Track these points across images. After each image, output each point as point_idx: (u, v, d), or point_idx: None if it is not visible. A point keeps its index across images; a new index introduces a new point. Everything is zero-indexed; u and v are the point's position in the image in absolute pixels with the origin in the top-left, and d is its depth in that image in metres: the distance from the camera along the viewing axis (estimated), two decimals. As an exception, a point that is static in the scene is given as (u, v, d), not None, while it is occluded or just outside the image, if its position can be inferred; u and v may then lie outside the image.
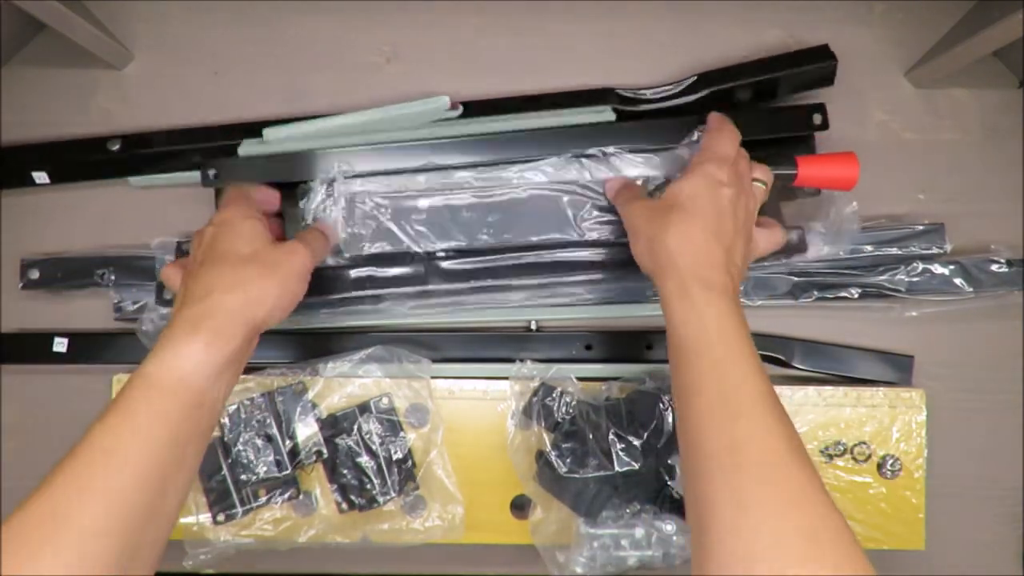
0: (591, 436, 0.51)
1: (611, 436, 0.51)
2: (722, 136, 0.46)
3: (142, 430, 0.37)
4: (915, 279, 0.55)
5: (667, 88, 0.56)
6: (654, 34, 0.59)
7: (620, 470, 0.50)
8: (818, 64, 0.54)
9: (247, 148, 0.54)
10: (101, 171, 0.57)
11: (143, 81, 0.60)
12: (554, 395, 0.52)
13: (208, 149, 0.55)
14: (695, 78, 0.55)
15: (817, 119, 0.54)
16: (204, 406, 0.39)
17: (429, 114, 0.53)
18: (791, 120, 0.55)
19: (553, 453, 0.51)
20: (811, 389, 0.55)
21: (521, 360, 0.54)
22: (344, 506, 0.53)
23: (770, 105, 0.57)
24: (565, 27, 0.58)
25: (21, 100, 0.59)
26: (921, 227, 0.56)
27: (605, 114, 0.54)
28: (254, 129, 0.54)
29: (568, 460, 0.51)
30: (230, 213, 0.46)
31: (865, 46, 0.59)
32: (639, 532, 0.51)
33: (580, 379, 0.54)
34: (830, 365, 0.56)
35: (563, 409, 0.52)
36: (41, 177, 0.57)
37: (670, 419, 0.51)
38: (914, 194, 0.58)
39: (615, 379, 0.55)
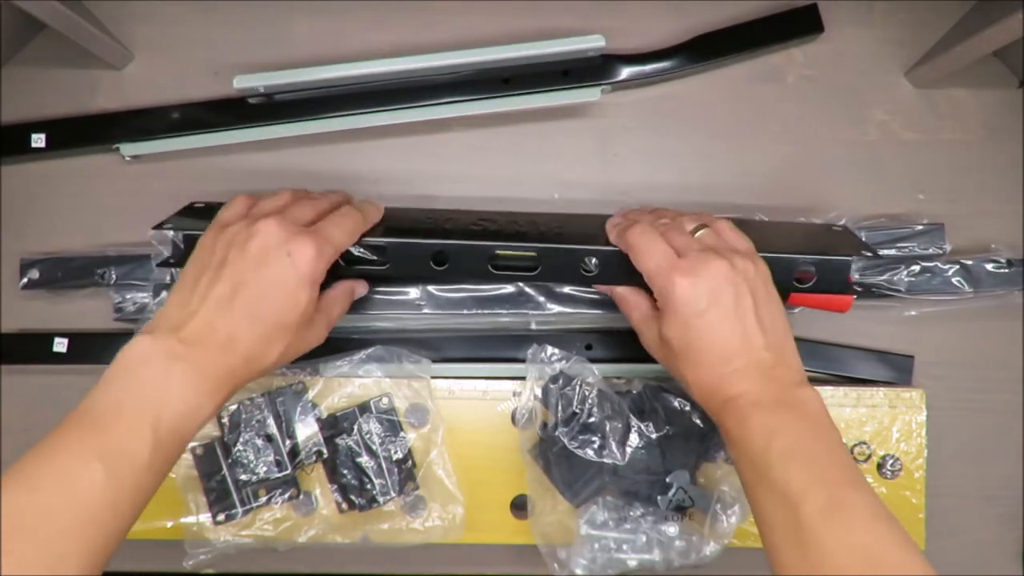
0: (607, 426, 0.51)
1: (629, 428, 0.50)
2: (645, 247, 0.43)
3: (145, 487, 0.35)
4: (915, 279, 0.55)
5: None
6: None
7: (624, 463, 0.50)
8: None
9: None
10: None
11: (143, 81, 0.60)
12: (573, 385, 0.52)
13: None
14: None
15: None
16: (177, 454, 0.37)
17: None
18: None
19: (561, 428, 0.51)
20: (811, 389, 0.55)
21: (538, 344, 0.54)
22: (344, 506, 0.53)
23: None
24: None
25: (21, 100, 0.59)
26: (921, 227, 0.56)
27: (594, 41, 0.54)
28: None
29: (573, 438, 0.51)
30: (299, 269, 0.40)
31: (865, 46, 0.59)
32: (641, 539, 0.51)
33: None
34: (830, 365, 0.56)
35: (582, 401, 0.52)
36: (39, 140, 0.57)
37: (682, 418, 0.51)
38: (914, 194, 0.58)
39: (618, 378, 0.55)
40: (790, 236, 0.53)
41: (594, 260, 0.48)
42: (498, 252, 0.48)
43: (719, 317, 0.40)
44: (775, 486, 0.35)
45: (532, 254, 0.49)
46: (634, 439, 0.50)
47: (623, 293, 0.48)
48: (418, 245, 0.48)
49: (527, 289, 0.56)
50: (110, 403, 0.36)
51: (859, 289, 0.53)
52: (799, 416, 0.38)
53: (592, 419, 0.51)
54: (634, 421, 0.51)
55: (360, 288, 0.52)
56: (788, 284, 0.48)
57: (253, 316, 0.39)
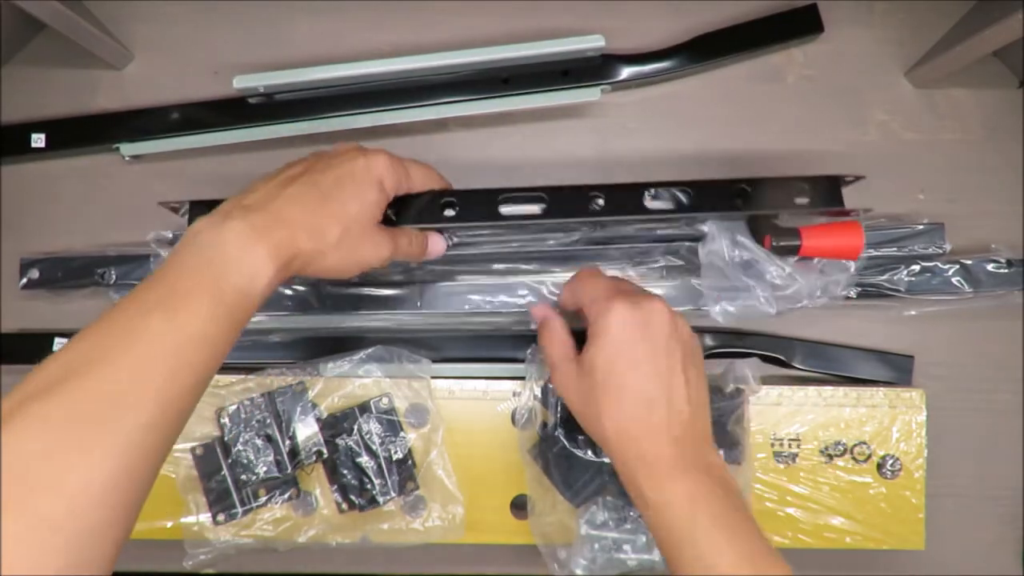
0: None
1: None
2: (589, 280, 0.45)
3: (212, 348, 0.34)
4: (915, 279, 0.55)
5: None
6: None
7: None
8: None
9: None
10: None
11: (143, 81, 0.60)
12: None
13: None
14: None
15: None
16: (242, 312, 0.37)
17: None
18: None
19: (560, 428, 0.51)
20: (811, 389, 0.55)
21: (537, 344, 0.54)
22: (344, 506, 0.53)
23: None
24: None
25: (21, 100, 0.59)
26: (921, 227, 0.56)
27: (594, 41, 0.54)
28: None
29: (572, 438, 0.51)
30: (371, 168, 0.42)
31: (865, 46, 0.59)
32: (641, 539, 0.51)
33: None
34: (830, 365, 0.56)
35: None
36: (39, 140, 0.57)
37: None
38: (914, 194, 0.58)
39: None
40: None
41: (601, 200, 0.48)
42: (505, 197, 0.48)
43: (650, 354, 0.40)
44: (702, 560, 0.37)
45: (540, 194, 0.48)
46: None
47: (551, 320, 0.47)
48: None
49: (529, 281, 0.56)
50: (173, 265, 0.36)
51: (855, 211, 0.50)
52: (715, 482, 0.39)
53: None
54: None
55: (435, 242, 0.50)
56: (788, 203, 0.48)
57: (318, 192, 0.40)
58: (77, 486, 0.29)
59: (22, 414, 0.29)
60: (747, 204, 0.48)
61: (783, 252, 0.49)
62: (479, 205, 0.48)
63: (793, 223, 0.50)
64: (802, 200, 0.48)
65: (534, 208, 0.48)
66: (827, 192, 0.49)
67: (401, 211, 0.47)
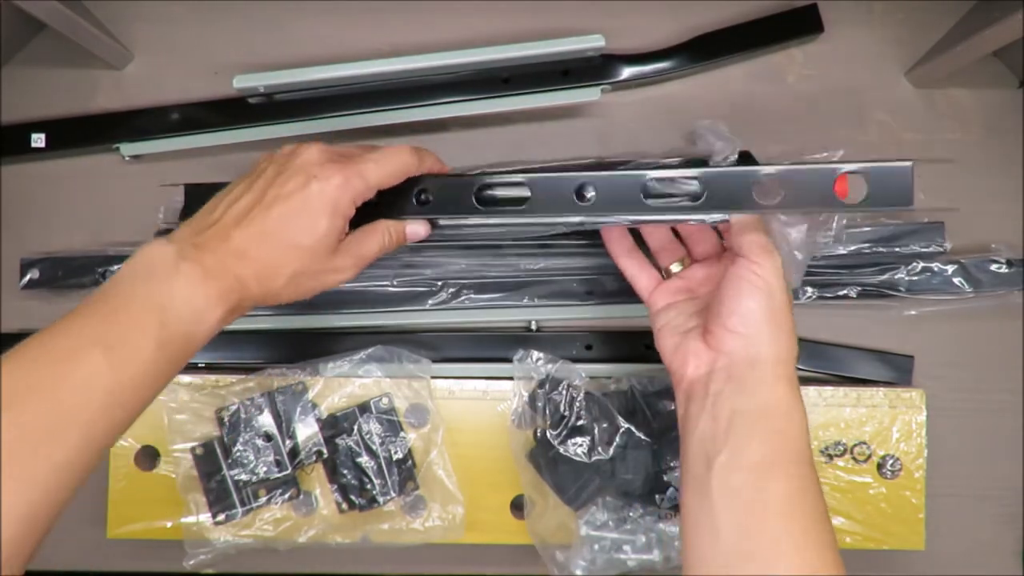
0: (596, 428, 0.51)
1: (617, 429, 0.50)
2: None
3: (147, 390, 0.34)
4: (915, 279, 0.55)
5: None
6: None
7: (616, 464, 0.50)
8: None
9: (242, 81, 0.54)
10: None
11: (143, 81, 0.60)
12: (560, 389, 0.52)
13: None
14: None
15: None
16: (183, 356, 0.36)
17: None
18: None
19: (551, 432, 0.51)
20: (811, 389, 0.55)
21: (525, 350, 0.54)
22: (344, 506, 0.53)
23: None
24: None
25: (21, 100, 0.59)
26: (921, 226, 0.56)
27: (594, 41, 0.53)
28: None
29: (566, 442, 0.51)
30: (322, 194, 0.39)
31: (865, 46, 0.59)
32: (641, 540, 0.51)
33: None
34: (830, 365, 0.56)
35: (570, 404, 0.52)
36: (39, 140, 0.58)
37: (673, 417, 0.51)
38: (914, 194, 0.58)
39: (607, 378, 0.55)
40: None
41: (591, 189, 0.43)
42: (485, 183, 0.45)
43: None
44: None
45: (520, 181, 0.44)
46: (623, 440, 0.50)
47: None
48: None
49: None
50: (116, 296, 0.35)
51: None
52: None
53: (581, 422, 0.51)
54: (622, 422, 0.51)
55: (413, 230, 0.46)
56: (828, 198, 0.41)
57: (267, 231, 0.39)
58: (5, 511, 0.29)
59: None
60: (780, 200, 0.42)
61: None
62: (456, 194, 0.45)
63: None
64: (855, 197, 0.42)
65: (523, 191, 0.44)
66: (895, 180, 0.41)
67: (373, 207, 0.44)
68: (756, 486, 0.37)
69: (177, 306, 0.35)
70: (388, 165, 0.42)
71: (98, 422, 0.32)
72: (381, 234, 0.44)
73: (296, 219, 0.39)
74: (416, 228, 0.46)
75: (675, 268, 0.48)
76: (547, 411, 0.52)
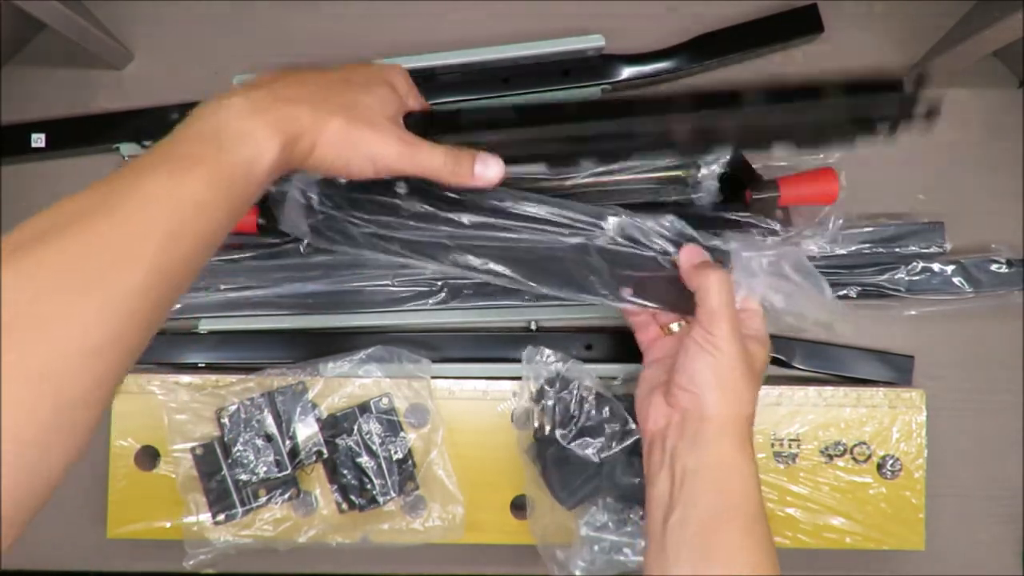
0: (606, 430, 0.51)
1: (628, 432, 0.50)
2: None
3: (211, 217, 0.33)
4: (915, 279, 0.55)
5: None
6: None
7: (620, 466, 0.50)
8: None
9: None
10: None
11: (143, 81, 0.60)
12: (571, 388, 0.52)
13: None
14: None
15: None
16: (254, 198, 0.36)
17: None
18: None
19: (560, 431, 0.51)
20: (811, 389, 0.55)
21: (534, 346, 0.54)
22: (344, 506, 0.53)
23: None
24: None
25: (21, 100, 0.59)
26: (921, 226, 0.56)
27: (594, 41, 0.54)
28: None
29: (574, 442, 0.50)
30: (382, 70, 0.43)
31: (865, 46, 0.59)
32: (641, 543, 0.51)
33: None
34: (830, 365, 0.56)
35: (579, 403, 0.52)
36: (39, 140, 0.58)
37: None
38: (914, 194, 0.58)
39: (613, 379, 0.55)
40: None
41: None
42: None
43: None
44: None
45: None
46: (631, 443, 0.50)
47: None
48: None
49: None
50: (173, 137, 0.35)
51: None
52: None
53: (590, 422, 0.51)
54: (633, 425, 0.51)
55: (490, 165, 0.43)
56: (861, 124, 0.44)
57: (324, 79, 0.40)
58: (66, 339, 0.27)
59: (16, 257, 0.28)
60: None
61: (763, 204, 0.50)
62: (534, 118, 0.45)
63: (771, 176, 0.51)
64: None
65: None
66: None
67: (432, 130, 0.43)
68: (704, 541, 0.39)
69: (232, 138, 0.35)
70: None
71: (168, 246, 0.31)
72: (448, 152, 0.42)
73: (355, 78, 0.41)
74: (492, 165, 0.43)
75: (674, 328, 0.49)
76: (556, 409, 0.52)
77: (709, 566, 0.39)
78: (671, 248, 0.46)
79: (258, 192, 0.36)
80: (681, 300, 0.45)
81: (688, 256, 0.45)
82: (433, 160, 0.41)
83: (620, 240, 0.46)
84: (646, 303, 0.46)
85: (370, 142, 0.39)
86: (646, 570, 0.42)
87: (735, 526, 0.40)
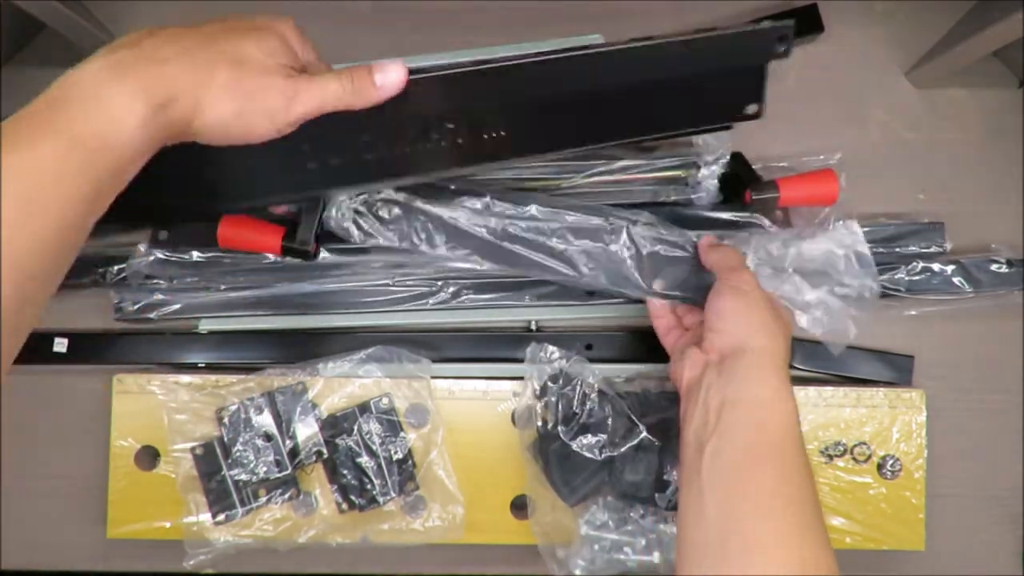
0: (609, 427, 0.51)
1: (631, 430, 0.50)
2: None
3: (68, 193, 0.29)
4: (915, 279, 0.55)
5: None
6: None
7: (623, 463, 0.50)
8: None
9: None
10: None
11: (143, 81, 0.60)
12: (574, 384, 0.52)
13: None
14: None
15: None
16: (126, 172, 0.32)
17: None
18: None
19: (562, 428, 0.51)
20: (811, 389, 0.55)
21: (538, 343, 0.54)
22: (344, 506, 0.53)
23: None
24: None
25: (21, 100, 0.59)
26: (921, 226, 0.56)
27: (594, 40, 0.53)
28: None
29: (576, 439, 0.50)
30: (272, 22, 0.37)
31: (865, 46, 0.59)
32: (641, 542, 0.51)
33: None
34: (830, 365, 0.56)
35: (582, 401, 0.52)
36: None
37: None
38: (914, 194, 0.58)
39: (617, 378, 0.55)
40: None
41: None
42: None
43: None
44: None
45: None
46: (635, 441, 0.50)
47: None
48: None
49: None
50: (26, 109, 0.31)
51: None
52: None
53: (592, 419, 0.51)
54: (638, 423, 0.51)
55: (388, 71, 0.39)
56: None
57: (203, 32, 0.35)
58: None
59: None
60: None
61: (763, 205, 0.50)
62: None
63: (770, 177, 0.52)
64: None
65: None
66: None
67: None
68: (739, 475, 0.38)
69: (87, 103, 0.31)
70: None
71: (20, 228, 0.28)
72: (343, 75, 0.37)
73: (240, 28, 0.36)
74: (391, 70, 0.39)
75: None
76: (559, 406, 0.52)
77: (744, 505, 0.37)
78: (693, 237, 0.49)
79: (132, 164, 0.32)
80: (703, 288, 0.47)
81: (706, 241, 0.49)
82: (329, 90, 0.37)
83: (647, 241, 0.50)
84: (674, 294, 0.50)
85: (266, 93, 0.35)
86: (679, 503, 0.41)
87: (772, 467, 0.38)
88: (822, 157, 0.57)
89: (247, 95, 0.34)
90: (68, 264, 0.32)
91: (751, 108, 0.45)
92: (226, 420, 0.53)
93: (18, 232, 0.28)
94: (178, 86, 0.33)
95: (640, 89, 0.43)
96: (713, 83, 0.44)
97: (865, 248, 0.49)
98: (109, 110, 0.31)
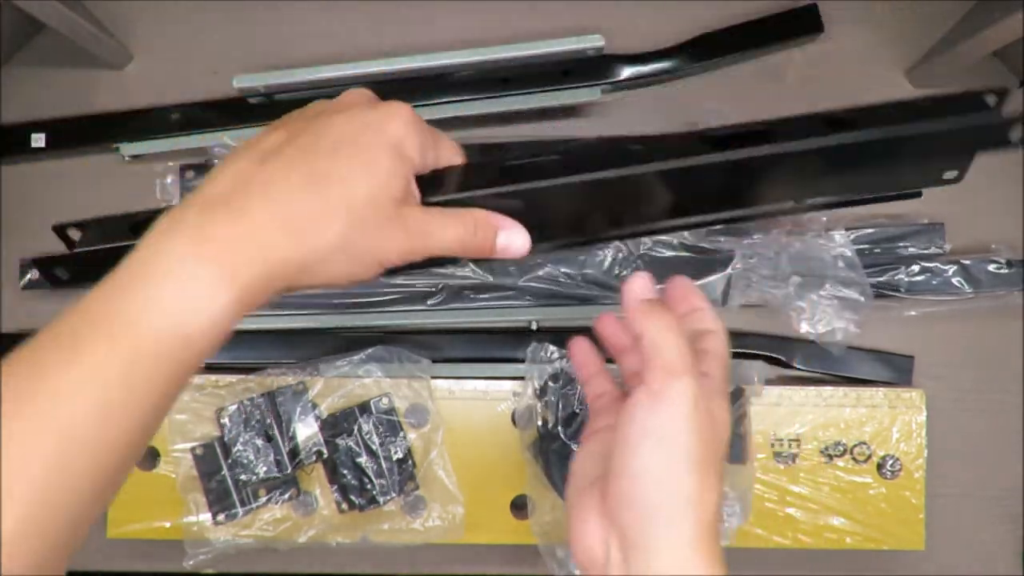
0: None
1: None
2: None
3: (119, 420, 0.24)
4: (915, 279, 0.55)
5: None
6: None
7: None
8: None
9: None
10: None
11: (143, 81, 0.60)
12: (574, 384, 0.52)
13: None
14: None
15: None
16: (196, 367, 0.26)
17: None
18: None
19: (562, 428, 0.51)
20: (811, 389, 0.55)
21: (539, 342, 0.54)
22: (344, 506, 0.53)
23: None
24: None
25: (21, 100, 0.59)
26: (921, 227, 0.56)
27: (593, 41, 0.53)
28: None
29: (573, 436, 0.51)
30: (384, 125, 0.29)
31: (865, 46, 0.59)
32: None
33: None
34: (830, 365, 0.56)
35: (582, 400, 0.52)
36: (39, 140, 0.58)
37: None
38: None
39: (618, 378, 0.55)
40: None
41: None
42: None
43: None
44: None
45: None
46: None
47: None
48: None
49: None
50: (95, 292, 0.26)
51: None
52: None
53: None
54: None
55: (514, 236, 0.33)
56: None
57: (306, 165, 0.28)
58: None
59: None
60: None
61: None
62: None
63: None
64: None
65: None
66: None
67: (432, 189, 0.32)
68: None
69: (162, 295, 0.25)
70: (451, 141, 0.33)
71: (47, 480, 0.23)
72: (467, 223, 0.32)
73: (349, 153, 0.28)
74: (516, 236, 0.33)
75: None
76: (559, 405, 0.52)
77: None
78: None
79: (214, 348, 0.26)
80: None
81: (634, 288, 0.31)
82: (446, 240, 0.31)
83: None
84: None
85: (377, 247, 0.29)
86: None
87: None
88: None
89: (360, 255, 0.29)
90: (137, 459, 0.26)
91: (950, 174, 0.38)
92: (226, 420, 0.53)
93: (42, 487, 0.23)
94: (280, 256, 0.27)
95: (845, 154, 0.36)
96: (919, 150, 0.37)
97: (852, 251, 0.48)
98: (187, 303, 0.25)
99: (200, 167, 0.57)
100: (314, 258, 0.28)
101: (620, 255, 0.55)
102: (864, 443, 0.54)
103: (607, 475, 0.29)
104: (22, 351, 0.25)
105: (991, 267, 0.56)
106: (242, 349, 0.56)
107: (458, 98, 0.56)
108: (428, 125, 0.32)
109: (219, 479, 0.53)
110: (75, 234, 0.38)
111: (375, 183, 0.28)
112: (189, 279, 0.25)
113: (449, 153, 0.33)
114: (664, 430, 0.28)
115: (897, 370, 0.56)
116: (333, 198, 0.28)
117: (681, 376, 0.28)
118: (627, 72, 0.56)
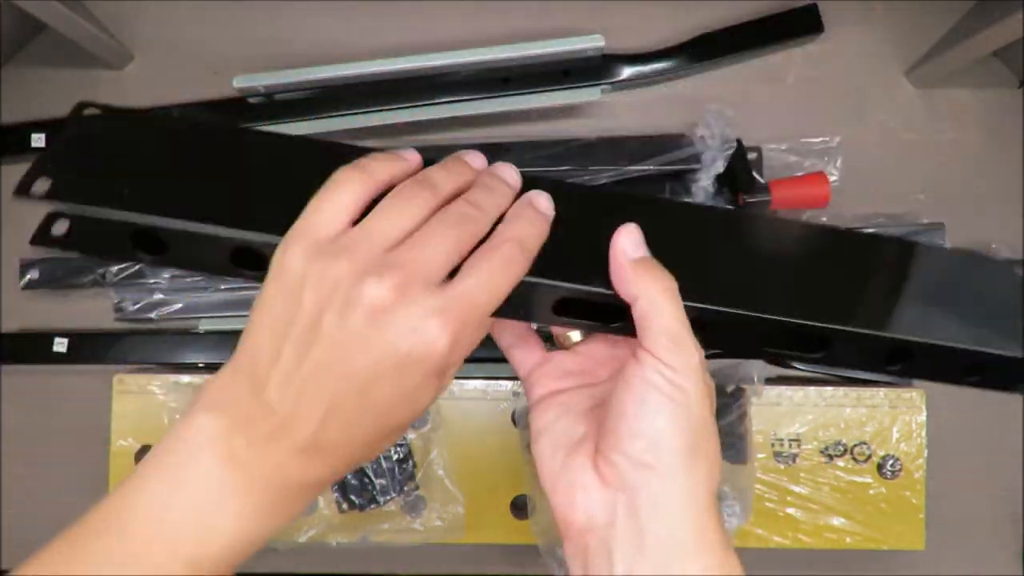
0: None
1: None
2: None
3: None
4: (915, 279, 0.55)
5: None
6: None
7: None
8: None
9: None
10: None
11: (143, 81, 0.60)
12: None
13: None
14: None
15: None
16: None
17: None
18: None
19: None
20: (811, 389, 0.55)
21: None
22: (344, 506, 0.53)
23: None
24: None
25: (21, 100, 0.59)
26: (921, 227, 0.56)
27: (594, 41, 0.53)
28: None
29: None
30: (431, 344, 0.26)
31: (865, 46, 0.59)
32: None
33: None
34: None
35: None
36: (39, 140, 0.58)
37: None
38: (914, 194, 0.58)
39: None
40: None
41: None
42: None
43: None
44: None
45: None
46: None
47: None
48: None
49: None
50: (136, 515, 0.27)
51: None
52: None
53: None
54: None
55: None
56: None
57: (347, 383, 0.25)
58: None
59: None
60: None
61: (755, 208, 0.51)
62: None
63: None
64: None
65: None
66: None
67: None
68: None
69: (191, 511, 0.25)
70: (505, 271, 0.28)
71: None
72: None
73: (391, 382, 0.26)
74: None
75: (574, 337, 0.33)
76: None
77: None
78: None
79: (231, 561, 0.25)
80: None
81: (625, 244, 0.28)
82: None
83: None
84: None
85: (401, 427, 0.28)
86: None
87: None
88: (821, 139, 0.57)
89: (381, 445, 0.28)
90: None
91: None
92: (226, 420, 0.53)
93: None
94: (315, 478, 0.26)
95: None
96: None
97: None
98: (225, 533, 0.25)
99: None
100: (338, 473, 0.27)
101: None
102: (864, 443, 0.54)
103: (605, 438, 0.28)
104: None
105: (991, 267, 0.56)
106: (242, 349, 0.56)
107: (458, 98, 0.56)
108: (469, 302, 0.28)
109: (219, 479, 0.53)
110: (61, 227, 0.34)
111: (414, 412, 0.27)
112: (230, 516, 0.25)
113: (497, 286, 0.29)
114: (683, 396, 0.27)
115: (897, 370, 0.56)
116: (375, 437, 0.27)
117: (690, 346, 0.27)
118: (627, 72, 0.56)
